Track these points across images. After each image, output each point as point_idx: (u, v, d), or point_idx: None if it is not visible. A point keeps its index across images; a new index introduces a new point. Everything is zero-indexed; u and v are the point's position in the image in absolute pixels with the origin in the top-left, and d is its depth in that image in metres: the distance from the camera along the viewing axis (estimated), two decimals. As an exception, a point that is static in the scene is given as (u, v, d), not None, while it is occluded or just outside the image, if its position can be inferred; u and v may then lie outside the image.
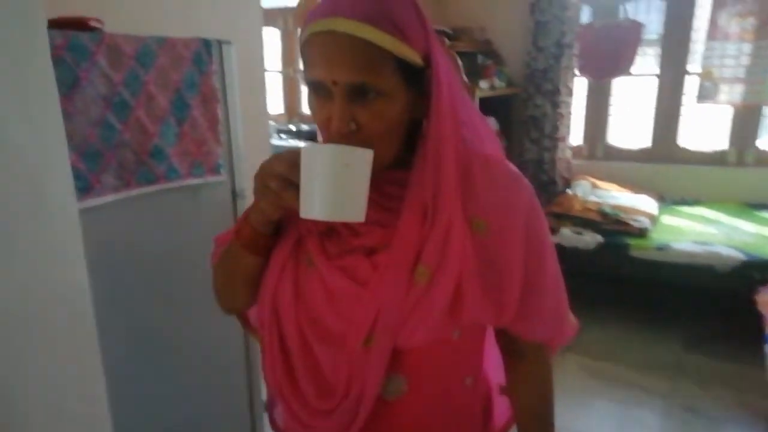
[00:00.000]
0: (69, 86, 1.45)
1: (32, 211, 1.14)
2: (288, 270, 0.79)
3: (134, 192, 1.64)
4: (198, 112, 1.80)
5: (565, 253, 3.38)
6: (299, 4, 3.98)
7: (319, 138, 0.81)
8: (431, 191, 0.72)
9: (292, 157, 0.70)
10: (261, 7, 3.01)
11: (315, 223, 0.77)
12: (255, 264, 0.82)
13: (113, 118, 1.56)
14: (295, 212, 0.72)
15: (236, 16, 3.05)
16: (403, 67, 0.70)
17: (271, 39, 5.57)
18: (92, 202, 1.54)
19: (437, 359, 0.80)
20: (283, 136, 5.28)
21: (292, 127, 5.37)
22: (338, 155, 0.67)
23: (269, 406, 0.95)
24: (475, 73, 4.29)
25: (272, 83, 5.66)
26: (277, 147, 4.92)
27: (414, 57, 0.70)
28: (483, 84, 4.04)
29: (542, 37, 4.21)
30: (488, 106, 4.10)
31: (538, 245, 0.78)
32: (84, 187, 1.51)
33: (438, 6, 4.51)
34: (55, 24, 1.51)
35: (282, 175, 0.70)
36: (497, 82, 4.21)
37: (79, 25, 1.52)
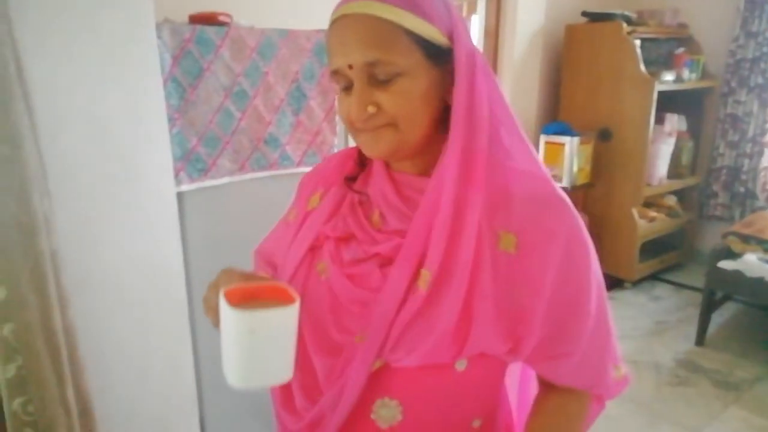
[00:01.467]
0: (194, 77, 1.60)
1: (130, 185, 1.29)
2: (299, 276, 0.76)
3: (248, 176, 1.76)
4: (315, 103, 1.86)
5: (744, 282, 2.80)
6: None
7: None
8: (440, 195, 0.67)
9: (215, 299, 0.63)
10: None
11: (334, 228, 0.75)
12: None
13: (232, 107, 1.69)
14: (312, 213, 0.75)
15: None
16: (424, 43, 0.65)
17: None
18: (209, 182, 1.69)
19: (437, 389, 0.71)
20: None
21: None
22: (240, 321, 0.57)
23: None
24: (659, 62, 3.73)
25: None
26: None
27: (434, 34, 0.65)
28: (667, 75, 3.49)
29: (756, 21, 3.48)
30: (673, 101, 3.55)
31: (576, 280, 0.68)
32: (203, 168, 1.66)
33: (624, -14, 4.00)
34: (192, 19, 1.67)
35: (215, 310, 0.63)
36: (687, 74, 3.60)
37: (210, 19, 1.66)
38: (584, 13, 3.64)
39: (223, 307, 0.57)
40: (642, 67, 3.39)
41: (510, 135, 0.71)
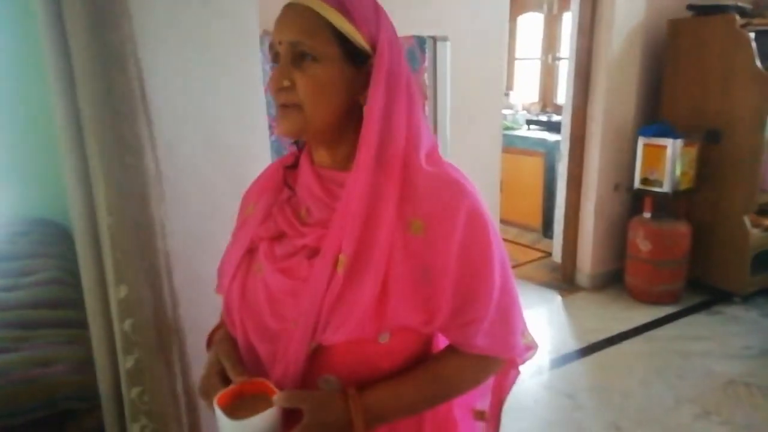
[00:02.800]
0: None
1: (236, 190, 1.35)
2: (238, 276, 0.84)
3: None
4: (406, 109, 1.86)
5: None
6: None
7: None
8: (354, 188, 0.75)
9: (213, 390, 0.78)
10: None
11: (266, 228, 0.82)
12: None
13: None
14: (246, 221, 0.84)
15: (478, 6, 3.05)
16: (343, 41, 0.75)
17: (533, 24, 5.37)
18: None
19: (366, 362, 0.79)
20: (533, 127, 5.09)
21: (543, 118, 5.12)
22: (235, 429, 0.71)
23: None
24: (777, 57, 3.40)
25: (529, 71, 5.49)
26: (524, 138, 4.79)
27: (356, 36, 0.75)
28: (787, 70, 3.17)
29: None
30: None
31: (478, 253, 0.77)
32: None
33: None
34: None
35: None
36: (811, 68, 3.25)
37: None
38: (690, 6, 3.39)
39: (220, 416, 0.71)
40: (758, 63, 3.10)
41: (420, 138, 0.79)
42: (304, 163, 0.83)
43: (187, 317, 1.27)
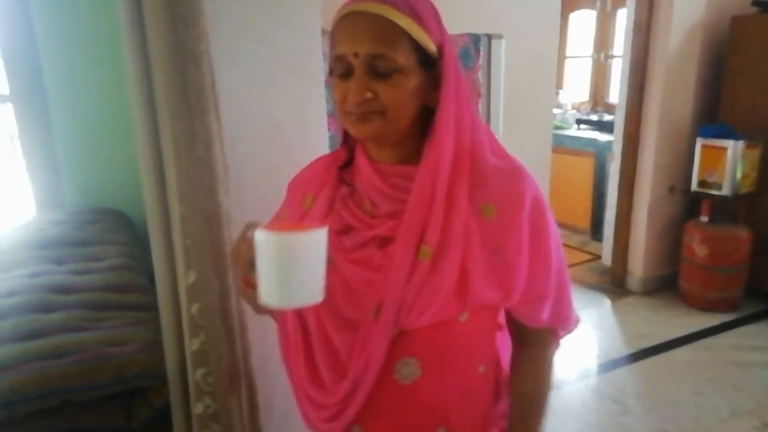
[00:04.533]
0: (348, 83, 1.69)
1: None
2: None
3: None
4: (459, 106, 1.87)
5: None
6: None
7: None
8: (434, 179, 0.78)
9: (246, 251, 0.73)
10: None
11: (332, 222, 0.84)
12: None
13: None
14: (308, 212, 0.84)
15: (531, 3, 3.01)
16: (419, 49, 0.76)
17: (585, 21, 5.25)
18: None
19: (447, 342, 0.83)
20: (583, 126, 4.98)
21: (594, 117, 5.01)
22: (281, 243, 0.66)
23: (297, 398, 0.98)
24: None
25: (580, 69, 5.37)
26: (574, 138, 4.69)
27: (428, 42, 0.77)
28: None
29: None
30: None
31: (544, 236, 0.83)
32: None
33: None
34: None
35: (246, 258, 0.73)
36: None
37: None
38: (755, 2, 3.25)
39: (265, 235, 0.66)
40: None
41: (479, 131, 0.83)
42: (361, 160, 0.85)
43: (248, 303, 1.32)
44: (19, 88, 2.27)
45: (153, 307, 1.55)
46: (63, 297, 1.46)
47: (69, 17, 2.22)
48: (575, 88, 5.42)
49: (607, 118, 4.75)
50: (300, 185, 0.95)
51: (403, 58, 0.75)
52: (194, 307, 1.19)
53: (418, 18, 0.76)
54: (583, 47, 5.28)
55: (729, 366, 2.72)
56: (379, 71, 0.75)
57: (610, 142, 3.92)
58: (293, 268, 0.66)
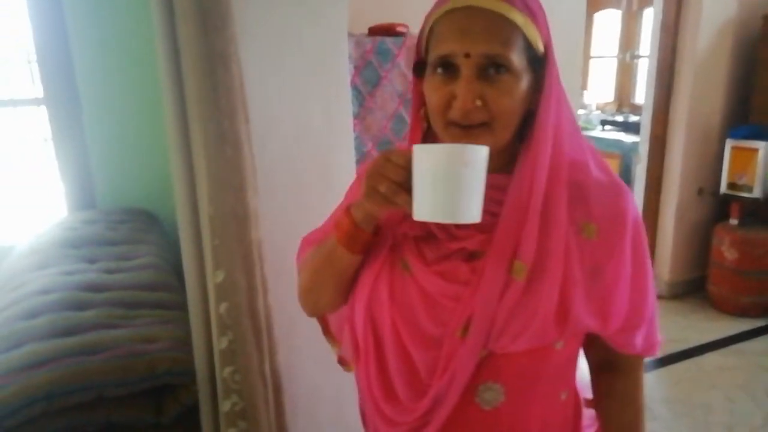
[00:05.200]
0: (373, 85, 1.71)
1: (322, 184, 1.41)
2: (383, 274, 0.78)
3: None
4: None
5: None
6: None
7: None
8: (530, 189, 0.72)
9: (403, 160, 0.67)
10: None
11: (411, 227, 0.77)
12: (350, 262, 0.79)
13: (406, 113, 1.77)
14: (391, 216, 0.76)
15: (555, 1, 2.98)
16: (530, 49, 0.70)
17: (610, 21, 5.19)
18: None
19: (537, 370, 0.77)
20: (608, 127, 4.91)
21: (619, 118, 4.94)
22: (456, 155, 0.63)
23: (361, 410, 0.92)
24: None
25: (604, 69, 5.30)
26: (599, 139, 4.63)
27: (538, 42, 0.71)
28: None
29: None
30: None
31: (643, 257, 0.78)
32: (376, 171, 1.77)
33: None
34: (372, 31, 1.79)
35: (393, 179, 0.67)
36: None
37: (389, 30, 1.76)
38: (789, 0, 3.18)
39: (433, 147, 0.65)
40: None
41: (579, 139, 0.77)
42: None
43: (274, 303, 1.33)
44: (53, 91, 2.34)
45: (182, 306, 1.57)
46: (96, 295, 1.49)
47: (101, 20, 2.28)
48: (600, 89, 5.36)
49: (633, 119, 4.67)
50: None
51: (518, 59, 0.68)
52: (222, 307, 1.21)
53: (532, 15, 0.69)
54: (608, 47, 5.22)
55: (762, 372, 2.66)
56: (490, 74, 0.67)
57: (636, 144, 3.86)
58: (463, 181, 0.64)
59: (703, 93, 3.32)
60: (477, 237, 0.73)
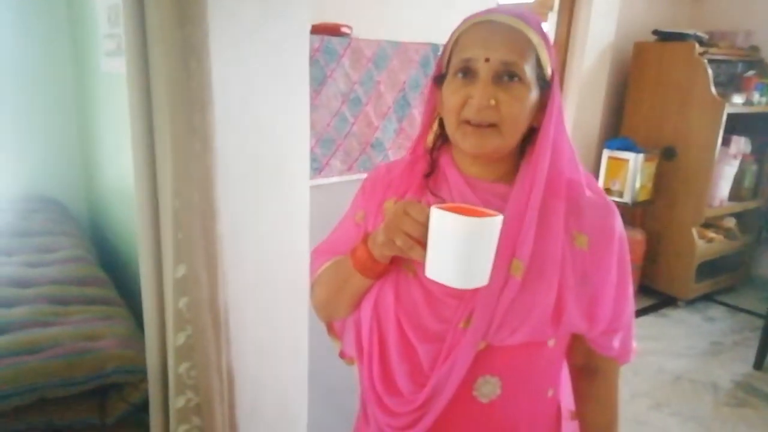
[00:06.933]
0: (318, 83, 1.73)
1: (275, 185, 1.43)
2: (389, 278, 0.84)
3: (354, 176, 1.89)
4: (417, 111, 1.98)
5: None
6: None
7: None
8: (528, 195, 0.80)
9: (422, 216, 0.72)
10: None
11: None
12: (365, 286, 0.85)
13: (347, 112, 1.82)
14: None
15: (455, 12, 3.18)
16: (540, 68, 0.79)
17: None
18: (321, 181, 1.83)
19: (531, 365, 0.85)
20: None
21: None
22: (471, 226, 0.67)
23: (362, 403, 0.98)
24: (728, 85, 3.74)
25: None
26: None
27: (546, 63, 0.80)
28: (737, 98, 3.51)
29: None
30: (739, 122, 3.56)
31: (625, 268, 0.87)
32: (317, 167, 1.80)
33: (695, 6, 4.02)
34: (316, 29, 1.80)
35: (410, 233, 0.73)
36: (756, 97, 3.61)
37: (333, 30, 1.79)
38: (655, 32, 3.68)
39: (452, 217, 0.68)
40: (713, 89, 3.42)
41: (576, 164, 0.87)
42: (450, 171, 0.85)
43: (231, 297, 1.33)
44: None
45: (118, 302, 1.50)
46: (21, 291, 1.37)
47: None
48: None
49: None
50: (377, 187, 0.92)
51: (530, 71, 0.77)
52: (182, 301, 1.19)
53: (545, 39, 0.79)
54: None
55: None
56: (504, 81, 0.76)
57: (528, 149, 4.22)
58: (476, 251, 0.67)
59: (585, 107, 3.74)
60: None
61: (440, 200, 0.83)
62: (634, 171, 3.53)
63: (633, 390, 2.74)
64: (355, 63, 1.80)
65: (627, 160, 3.55)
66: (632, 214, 3.70)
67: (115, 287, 1.59)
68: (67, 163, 2.12)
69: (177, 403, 1.24)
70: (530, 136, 0.83)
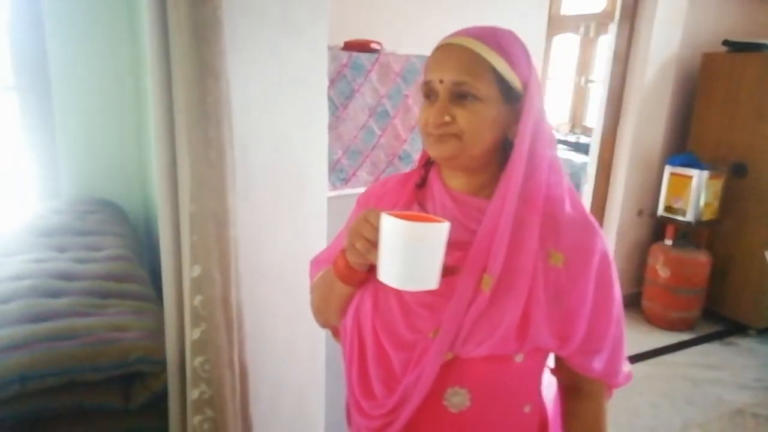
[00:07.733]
0: (346, 97, 1.81)
1: (296, 187, 1.51)
2: (369, 287, 0.88)
3: (382, 188, 1.95)
4: (447, 125, 2.01)
5: None
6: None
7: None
8: (500, 209, 0.80)
9: (377, 222, 0.76)
10: (545, 18, 3.02)
11: None
12: (348, 293, 0.90)
13: (374, 125, 1.88)
14: None
15: (516, 25, 3.16)
16: (503, 82, 0.80)
17: (568, 45, 5.47)
18: (348, 191, 1.90)
19: (499, 379, 0.85)
20: (561, 146, 5.18)
21: (571, 139, 5.21)
22: (412, 232, 0.71)
23: (347, 405, 1.00)
24: None
25: (560, 91, 5.58)
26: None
27: (513, 78, 0.81)
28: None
29: None
30: None
31: (606, 289, 0.85)
32: (344, 178, 1.87)
33: (774, 13, 3.75)
34: (347, 46, 1.89)
35: (367, 237, 0.77)
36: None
37: (363, 47, 1.87)
38: (725, 42, 3.48)
39: (393, 221, 0.72)
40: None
41: (560, 178, 0.86)
42: (436, 184, 0.88)
43: (246, 297, 1.42)
44: (24, 78, 2.33)
45: (151, 298, 1.63)
46: (67, 283, 1.53)
47: (78, 12, 2.29)
48: (556, 109, 5.63)
49: (584, 140, 4.93)
50: (374, 199, 0.97)
51: (485, 88, 0.79)
52: (197, 299, 1.29)
53: (505, 54, 0.80)
54: (565, 70, 5.49)
55: (683, 382, 2.90)
56: (459, 98, 0.79)
57: (585, 164, 4.10)
58: (417, 255, 0.71)
59: (647, 121, 3.59)
60: (455, 254, 0.81)
61: (425, 212, 0.87)
62: (698, 188, 3.34)
63: (685, 419, 2.58)
64: (384, 77, 1.86)
65: (690, 177, 3.36)
66: (696, 234, 3.49)
67: (156, 285, 1.73)
68: (125, 167, 2.33)
69: (192, 394, 1.34)
70: (508, 149, 0.84)
